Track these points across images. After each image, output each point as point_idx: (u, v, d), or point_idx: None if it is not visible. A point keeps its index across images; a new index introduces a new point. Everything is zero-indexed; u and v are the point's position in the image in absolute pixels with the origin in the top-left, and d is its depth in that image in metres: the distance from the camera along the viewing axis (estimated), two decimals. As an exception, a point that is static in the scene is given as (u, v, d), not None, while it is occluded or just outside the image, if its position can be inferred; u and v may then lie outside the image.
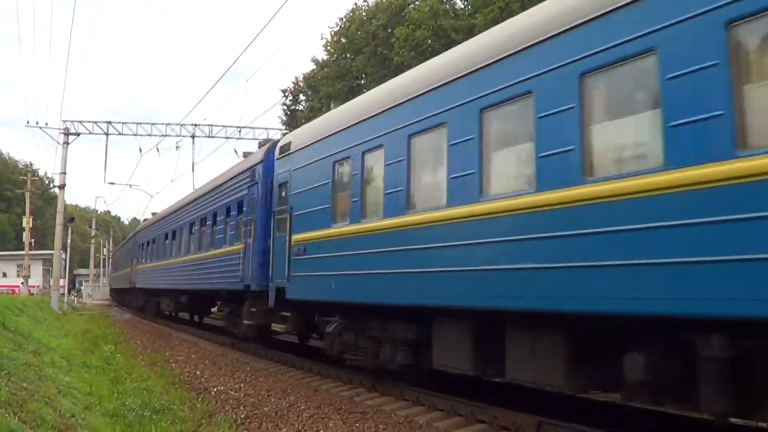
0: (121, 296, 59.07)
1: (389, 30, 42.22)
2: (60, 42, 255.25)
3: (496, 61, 9.06)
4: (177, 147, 42.13)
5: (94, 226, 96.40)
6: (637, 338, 7.35)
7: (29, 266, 62.54)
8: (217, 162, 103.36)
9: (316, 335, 15.76)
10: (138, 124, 41.36)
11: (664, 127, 6.61)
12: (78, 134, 40.14)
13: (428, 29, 38.00)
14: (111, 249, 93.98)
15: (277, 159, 16.36)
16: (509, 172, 9.02)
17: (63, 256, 47.98)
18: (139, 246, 42.70)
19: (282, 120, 52.63)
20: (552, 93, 7.97)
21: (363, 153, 12.14)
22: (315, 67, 51.26)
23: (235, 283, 18.51)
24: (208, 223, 24.05)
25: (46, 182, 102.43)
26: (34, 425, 7.15)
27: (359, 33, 46.25)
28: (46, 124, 41.49)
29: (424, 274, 10.04)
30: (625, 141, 7.38)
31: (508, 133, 9.15)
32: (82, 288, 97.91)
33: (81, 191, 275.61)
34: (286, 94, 53.40)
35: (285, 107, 53.42)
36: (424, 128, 10.47)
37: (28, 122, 40.81)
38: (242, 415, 10.57)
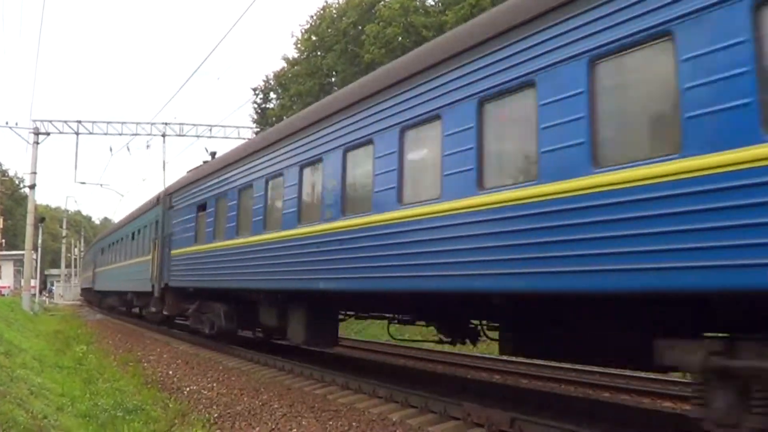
0: (88, 296, 61.96)
1: (360, 27, 42.08)
2: (29, 41, 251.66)
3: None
4: (148, 146, 42.14)
5: (65, 226, 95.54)
6: None
7: (0, 267, 61.85)
8: (189, 160, 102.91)
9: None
10: (108, 123, 41.26)
11: None
12: (48, 134, 39.87)
13: (399, 26, 37.93)
14: (82, 249, 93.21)
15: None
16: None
17: (34, 257, 47.50)
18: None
19: (253, 118, 52.32)
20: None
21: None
22: (286, 65, 51.02)
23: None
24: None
25: (16, 182, 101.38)
26: (6, 427, 7.15)
27: (330, 30, 45.99)
28: (16, 123, 41.41)
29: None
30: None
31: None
32: (54, 288, 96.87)
33: (52, 191, 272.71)
34: (257, 92, 53.07)
35: (256, 105, 53.11)
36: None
37: (-4, 122, 40.41)
38: (215, 415, 10.59)
